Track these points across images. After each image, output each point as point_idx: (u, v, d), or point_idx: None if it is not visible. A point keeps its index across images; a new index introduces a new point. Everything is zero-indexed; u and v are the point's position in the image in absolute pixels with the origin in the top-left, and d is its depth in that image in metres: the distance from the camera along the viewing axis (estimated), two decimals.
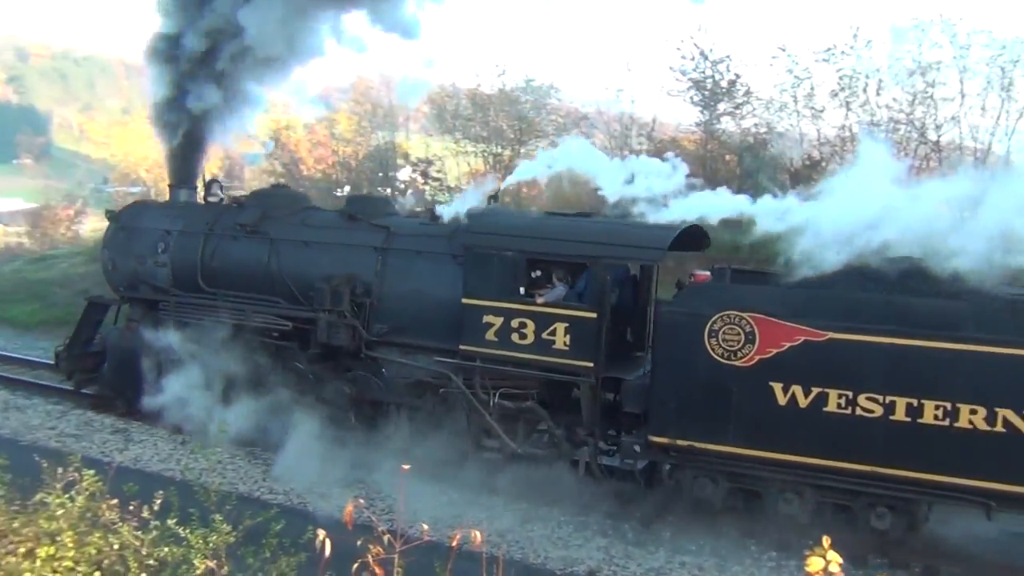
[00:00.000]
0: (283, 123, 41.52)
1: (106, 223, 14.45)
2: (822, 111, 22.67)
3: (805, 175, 20.35)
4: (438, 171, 33.44)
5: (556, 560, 9.22)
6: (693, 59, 24.09)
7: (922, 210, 8.64)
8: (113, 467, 6.81)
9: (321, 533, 4.26)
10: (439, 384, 11.09)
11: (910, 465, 8.73)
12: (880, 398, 8.76)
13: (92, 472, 6.06)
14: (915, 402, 8.64)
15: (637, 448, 10.17)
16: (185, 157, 14.56)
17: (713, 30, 24.91)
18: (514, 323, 10.39)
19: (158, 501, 5.88)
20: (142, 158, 37.92)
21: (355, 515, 4.45)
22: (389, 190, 34.13)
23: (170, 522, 5.70)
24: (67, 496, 5.78)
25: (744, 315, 9.21)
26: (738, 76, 23.97)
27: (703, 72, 24.21)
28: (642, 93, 26.75)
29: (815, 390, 8.99)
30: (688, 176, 10.56)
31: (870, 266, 8.89)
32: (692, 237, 10.81)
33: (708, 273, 10.24)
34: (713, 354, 9.36)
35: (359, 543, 4.46)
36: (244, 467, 11.05)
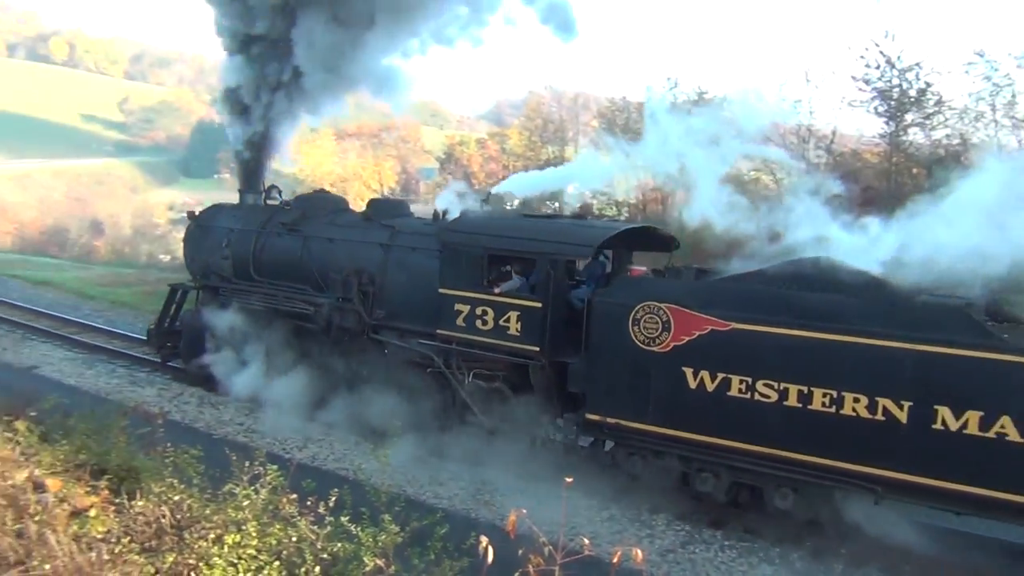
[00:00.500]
0: (456, 139, 42.79)
1: None
2: None
3: None
4: (606, 185, 33.47)
5: None
6: (878, 67, 22.78)
7: None
8: (294, 463, 7.23)
9: (484, 540, 4.33)
10: (427, 364, 12.19)
11: (803, 449, 9.27)
12: (775, 384, 9.35)
13: (275, 467, 6.46)
14: (805, 389, 9.18)
15: (577, 425, 11.12)
16: (251, 167, 16.62)
17: (901, 35, 23.47)
18: (478, 311, 11.56)
19: (333, 498, 6.17)
20: (327, 173, 40.10)
21: (518, 524, 4.49)
22: (556, 204, 34.44)
23: (343, 519, 5.97)
24: (252, 488, 6.18)
25: (661, 305, 10.03)
26: (928, 84, 22.45)
27: (889, 81, 22.85)
28: (821, 104, 25.49)
29: (720, 375, 9.69)
30: (868, 190, 10.19)
31: (778, 264, 9.61)
32: (660, 240, 12.24)
33: (644, 268, 11.55)
34: (636, 340, 10.22)
35: (520, 552, 4.50)
36: (412, 470, 11.38)
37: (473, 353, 11.71)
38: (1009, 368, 8.19)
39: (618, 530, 10.02)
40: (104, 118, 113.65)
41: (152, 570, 5.36)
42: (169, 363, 15.96)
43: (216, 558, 5.37)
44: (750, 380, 9.50)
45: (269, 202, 15.78)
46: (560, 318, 11.12)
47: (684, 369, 9.90)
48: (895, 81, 22.75)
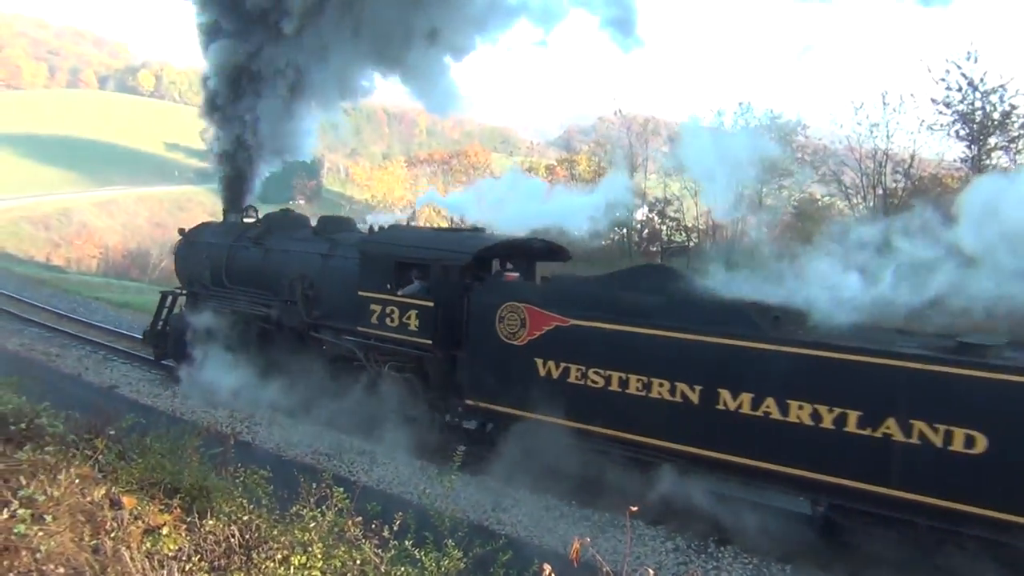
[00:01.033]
0: (526, 164, 43.04)
1: None
2: None
3: None
4: (675, 211, 33.15)
5: None
6: (960, 89, 22.15)
7: None
8: (359, 486, 7.29)
9: (547, 568, 4.30)
10: (354, 358, 13.87)
11: (625, 428, 10.64)
12: (602, 371, 10.80)
13: (341, 489, 6.52)
14: (624, 376, 10.61)
15: (460, 409, 12.57)
16: (233, 189, 18.73)
17: (984, 56, 22.71)
18: (387, 310, 13.26)
19: (397, 522, 6.20)
20: (398, 198, 40.82)
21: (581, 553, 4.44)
22: (625, 230, 34.27)
23: (407, 543, 5.99)
24: (319, 510, 6.25)
25: (520, 305, 11.58)
26: (1013, 107, 21.72)
27: (971, 104, 22.17)
28: (899, 127, 24.82)
29: (562, 365, 11.18)
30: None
31: (623, 270, 11.62)
32: (557, 251, 13.91)
33: (516, 274, 13.22)
34: (501, 335, 11.77)
35: None
36: (476, 496, 11.38)
37: (386, 347, 13.38)
38: (773, 356, 9.49)
39: (683, 561, 9.83)
40: (186, 146, 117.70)
41: None
42: (163, 361, 17.78)
43: None
44: (584, 368, 10.99)
45: (246, 219, 17.82)
46: (451, 316, 12.56)
47: (536, 360, 11.42)
48: (977, 104, 22.08)
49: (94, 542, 5.64)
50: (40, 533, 5.26)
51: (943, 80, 22.33)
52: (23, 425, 7.08)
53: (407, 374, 13.19)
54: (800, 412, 9.26)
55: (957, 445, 8.37)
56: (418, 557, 5.81)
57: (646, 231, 34.18)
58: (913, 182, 23.56)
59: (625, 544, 9.50)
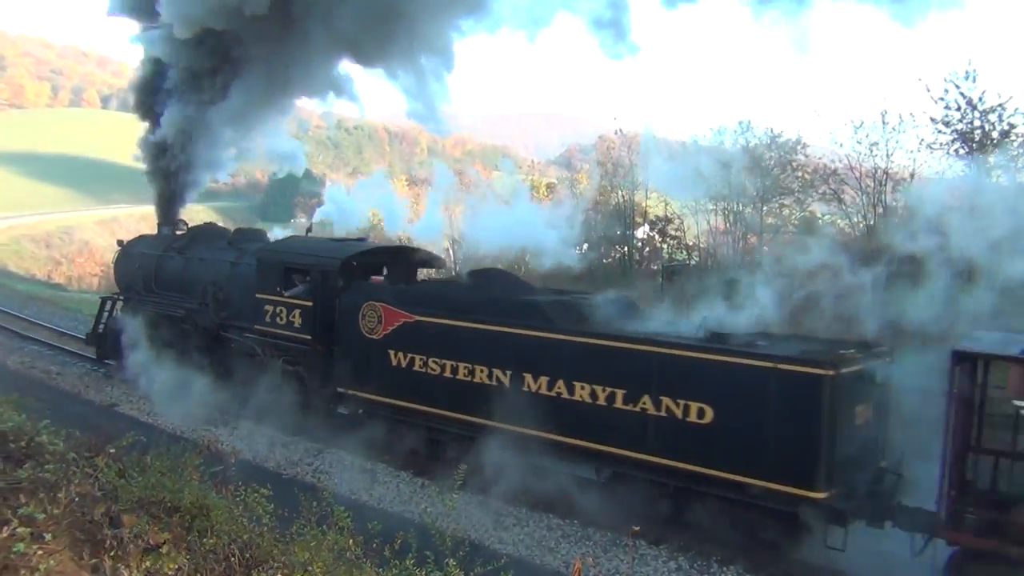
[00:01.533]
0: (528, 182, 43.08)
1: None
2: None
3: None
4: (676, 229, 33.17)
5: None
6: (959, 109, 22.20)
7: None
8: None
9: (577, 563, 4.27)
10: (255, 353, 15.41)
11: (457, 409, 12.30)
12: (439, 360, 12.51)
13: (342, 508, 6.50)
14: (454, 364, 12.32)
15: (335, 397, 14.18)
16: (166, 203, 20.13)
17: (983, 74, 22.74)
18: (277, 310, 14.93)
19: (398, 541, 6.17)
20: (399, 217, 40.83)
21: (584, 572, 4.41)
22: (627, 248, 34.31)
23: (408, 563, 5.96)
24: (319, 529, 6.22)
25: (377, 304, 13.35)
26: (1013, 126, 21.76)
27: (970, 123, 22.23)
28: (899, 146, 24.88)
29: (409, 355, 12.91)
30: None
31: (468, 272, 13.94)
32: (432, 259, 16.19)
33: (381, 278, 15.08)
34: (363, 331, 13.51)
35: None
36: (477, 514, 11.33)
37: (278, 343, 15.02)
38: (561, 344, 11.22)
39: None
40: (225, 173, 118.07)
41: None
42: (105, 361, 19.31)
43: None
44: (425, 358, 12.68)
45: (178, 232, 19.45)
46: (327, 314, 14.23)
47: (389, 351, 13.12)
48: (977, 123, 22.12)
49: (94, 561, 5.61)
50: (40, 552, 5.24)
51: (942, 99, 22.41)
52: (23, 443, 7.07)
53: (296, 367, 14.82)
54: (582, 392, 10.96)
55: (692, 416, 9.98)
56: None
57: (647, 249, 34.20)
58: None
59: (627, 564, 9.46)
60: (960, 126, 22.34)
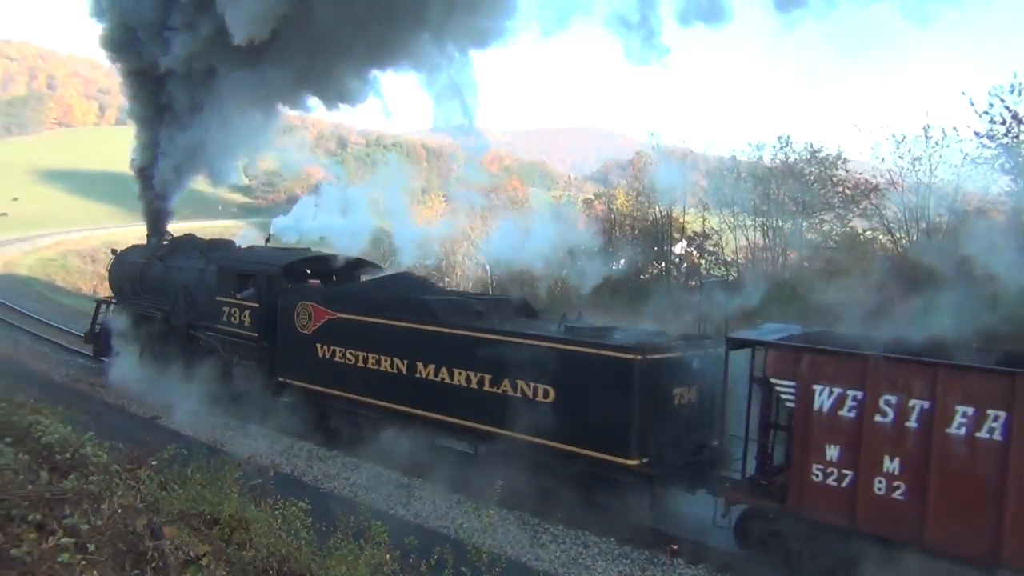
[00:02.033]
0: (562, 199, 43.06)
1: None
2: None
3: None
4: (714, 245, 32.91)
5: None
6: (1004, 122, 21.80)
7: None
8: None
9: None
10: (216, 349, 17.39)
11: (369, 394, 14.21)
12: (355, 351, 14.47)
13: (379, 523, 6.51)
14: (365, 354, 14.28)
15: (277, 386, 16.08)
16: (154, 216, 22.09)
17: None
18: (232, 311, 16.99)
19: (435, 557, 6.16)
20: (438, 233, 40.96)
21: None
22: (664, 264, 34.12)
23: None
24: (356, 543, 6.24)
25: (308, 304, 15.42)
26: None
27: (1016, 136, 21.81)
28: (942, 161, 24.46)
29: (332, 347, 14.90)
30: None
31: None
32: (365, 264, 17.80)
33: (317, 281, 17.32)
34: (297, 327, 15.54)
35: None
36: (513, 531, 11.28)
37: (233, 341, 16.96)
38: (443, 336, 13.05)
39: None
40: (231, 182, 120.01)
41: None
42: (101, 358, 21.04)
43: None
44: (343, 350, 14.66)
45: (164, 242, 21.56)
46: (271, 314, 16.15)
47: (317, 344, 15.14)
48: (1023, 137, 21.71)
49: (135, 572, 5.67)
50: (83, 562, 5.30)
51: (986, 113, 22.05)
52: (69, 455, 7.17)
53: (249, 361, 16.68)
54: (460, 377, 12.75)
55: (540, 397, 11.71)
56: None
57: (685, 265, 33.98)
58: (958, 216, 23.15)
59: None
60: (1005, 140, 21.94)
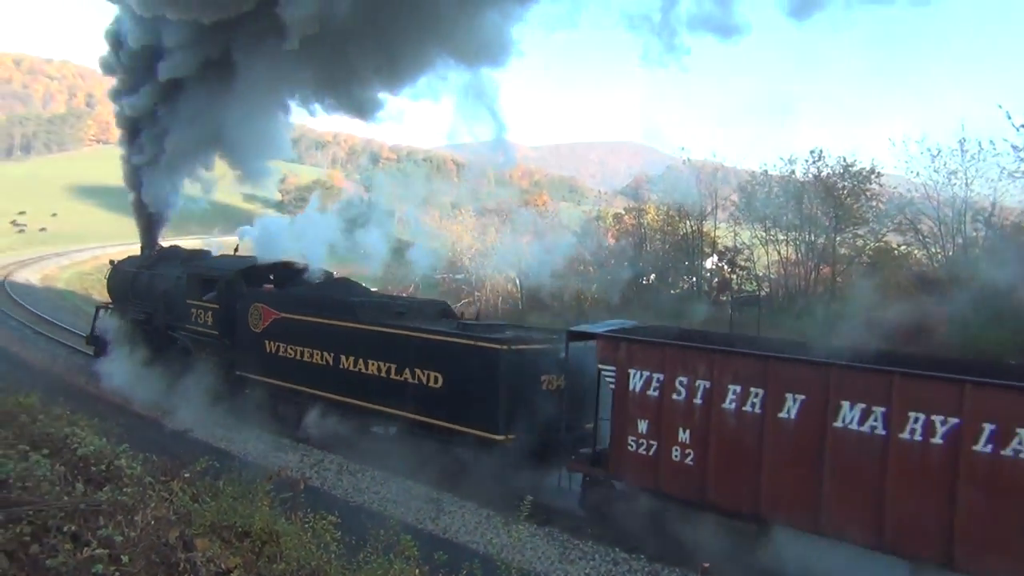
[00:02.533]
0: (593, 213, 42.99)
1: None
2: None
3: None
4: (746, 260, 32.67)
5: None
6: None
7: None
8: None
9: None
10: (188, 348, 19.12)
11: (308, 384, 15.99)
12: (297, 347, 16.25)
13: (408, 537, 6.50)
14: (303, 349, 16.11)
15: (235, 379, 17.70)
16: (147, 229, 23.90)
17: None
18: (198, 312, 18.86)
19: (464, 572, 6.14)
20: (467, 247, 41.07)
21: None
22: (695, 279, 33.91)
23: None
24: (386, 557, 6.23)
25: (259, 305, 17.27)
26: None
27: None
28: (978, 175, 24.13)
29: (276, 343, 16.72)
30: None
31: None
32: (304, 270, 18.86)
33: (271, 286, 18.71)
34: (251, 326, 17.35)
35: None
36: (543, 547, 11.21)
37: (200, 340, 18.72)
38: (360, 332, 14.97)
39: None
40: (263, 197, 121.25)
41: None
42: (100, 358, 22.18)
43: None
44: (285, 345, 16.50)
45: (154, 252, 23.17)
46: (231, 315, 17.91)
47: (265, 341, 16.97)
48: None
49: None
50: (117, 573, 5.36)
51: (1023, 127, 21.74)
52: (103, 466, 7.26)
53: (213, 358, 18.26)
54: (373, 367, 14.64)
55: (431, 383, 13.63)
56: None
57: (716, 280, 33.75)
58: (995, 230, 22.81)
59: None
60: None
